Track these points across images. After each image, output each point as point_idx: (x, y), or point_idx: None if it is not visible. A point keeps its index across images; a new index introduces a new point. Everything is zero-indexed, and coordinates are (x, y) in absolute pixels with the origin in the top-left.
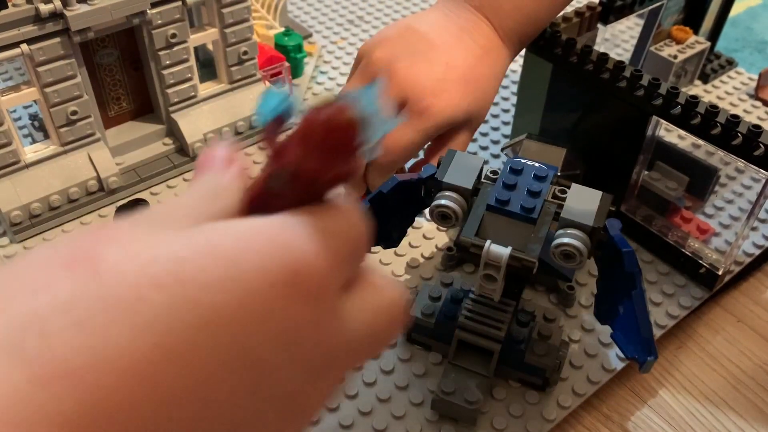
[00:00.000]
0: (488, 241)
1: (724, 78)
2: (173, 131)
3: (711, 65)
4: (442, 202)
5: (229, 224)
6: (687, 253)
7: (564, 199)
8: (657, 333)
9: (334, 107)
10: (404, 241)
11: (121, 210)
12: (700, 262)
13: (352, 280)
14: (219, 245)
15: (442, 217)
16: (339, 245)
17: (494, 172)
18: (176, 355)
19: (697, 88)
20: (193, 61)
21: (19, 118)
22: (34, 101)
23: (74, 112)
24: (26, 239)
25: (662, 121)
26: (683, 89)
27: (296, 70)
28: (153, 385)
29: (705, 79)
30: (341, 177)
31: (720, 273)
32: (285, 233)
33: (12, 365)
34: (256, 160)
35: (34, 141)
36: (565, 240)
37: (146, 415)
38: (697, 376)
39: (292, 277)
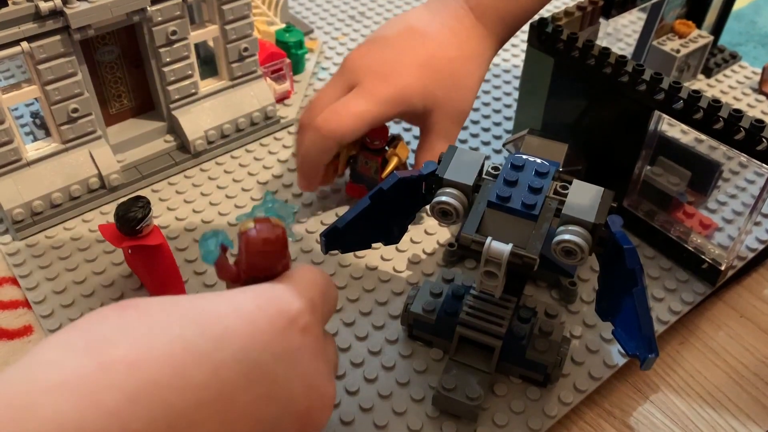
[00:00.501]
0: (489, 238)
1: (727, 72)
2: (174, 128)
3: (714, 59)
4: (443, 198)
5: (240, 291)
6: (689, 248)
7: (565, 196)
8: (659, 329)
9: (263, 226)
10: (406, 237)
11: (120, 207)
12: (703, 257)
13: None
14: (240, 302)
15: (443, 214)
16: (310, 293)
17: (495, 168)
18: (215, 368)
19: (700, 83)
20: (193, 58)
21: (21, 116)
22: (35, 99)
23: (75, 110)
24: (28, 237)
25: (664, 115)
26: (686, 84)
27: (297, 67)
28: (186, 380)
29: (708, 73)
30: (286, 268)
31: (722, 268)
32: (274, 292)
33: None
34: (257, 156)
35: (36, 139)
36: (566, 237)
37: (184, 405)
38: (699, 371)
39: (284, 315)
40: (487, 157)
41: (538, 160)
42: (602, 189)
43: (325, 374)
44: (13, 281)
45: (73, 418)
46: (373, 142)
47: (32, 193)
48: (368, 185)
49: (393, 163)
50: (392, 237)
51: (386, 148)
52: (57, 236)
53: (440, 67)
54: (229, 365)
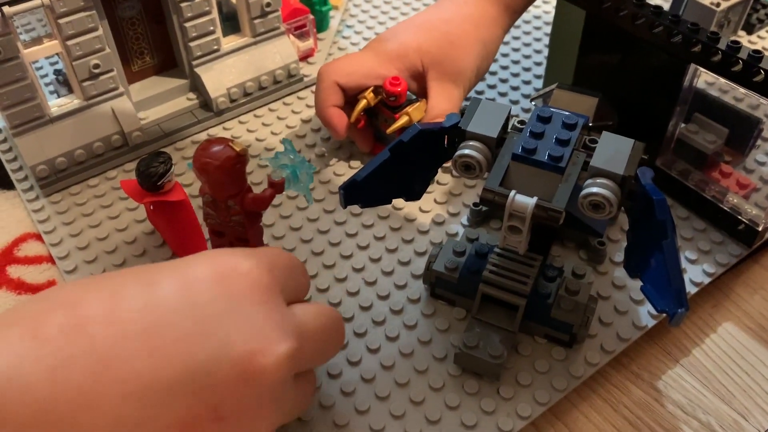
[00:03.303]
0: (513, 191)
1: None
2: (197, 86)
3: (756, 15)
4: (466, 152)
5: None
6: (725, 208)
7: (594, 149)
8: (692, 290)
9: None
10: (429, 197)
11: (142, 163)
12: (739, 218)
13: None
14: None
15: (466, 168)
16: (268, 258)
17: (522, 122)
18: (145, 304)
19: (741, 39)
20: (215, 14)
21: (46, 75)
22: (57, 54)
23: (96, 66)
24: (52, 194)
25: (701, 69)
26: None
27: (321, 24)
28: (114, 315)
29: (749, 29)
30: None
31: (759, 229)
32: (227, 252)
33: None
34: (280, 115)
35: (59, 96)
36: (594, 190)
37: (110, 339)
38: (732, 335)
39: (229, 263)
40: (511, 110)
41: (566, 113)
42: (633, 141)
43: (276, 327)
44: (38, 237)
45: (14, 342)
46: (390, 98)
47: (55, 149)
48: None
49: (401, 121)
50: (413, 193)
51: (404, 108)
52: (80, 193)
53: (435, 26)
54: (161, 303)
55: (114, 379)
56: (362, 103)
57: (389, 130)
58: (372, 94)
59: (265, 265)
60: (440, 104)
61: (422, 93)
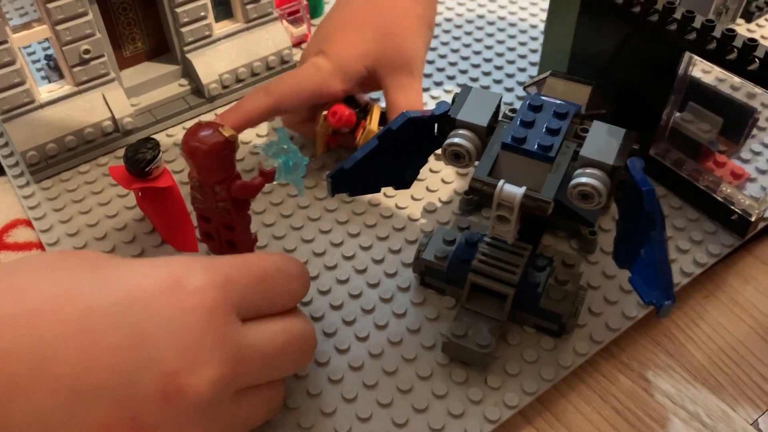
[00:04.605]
0: (501, 181)
1: None
2: (189, 72)
3: (755, 2)
4: (455, 140)
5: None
6: (718, 198)
7: (584, 138)
8: (683, 281)
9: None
10: (421, 185)
11: (130, 149)
12: (732, 208)
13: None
14: (148, 263)
15: (455, 157)
16: (230, 271)
17: (513, 111)
18: (85, 308)
19: (739, 27)
20: None
21: (38, 60)
22: (47, 39)
23: (87, 51)
24: (43, 180)
25: (696, 57)
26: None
27: (315, 10)
28: (55, 313)
29: (748, 17)
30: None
31: (753, 220)
32: (184, 260)
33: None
34: None
35: (50, 82)
36: (583, 180)
37: (49, 334)
38: (723, 325)
39: (175, 277)
40: (509, 104)
41: (558, 101)
42: (624, 130)
43: (207, 350)
44: (28, 223)
45: None
46: (341, 131)
47: (46, 135)
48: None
49: (363, 137)
50: (403, 181)
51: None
52: (71, 179)
53: (367, 19)
54: (103, 308)
55: (48, 375)
56: (321, 138)
57: (358, 144)
58: (325, 126)
59: (218, 282)
60: (400, 100)
61: (374, 90)
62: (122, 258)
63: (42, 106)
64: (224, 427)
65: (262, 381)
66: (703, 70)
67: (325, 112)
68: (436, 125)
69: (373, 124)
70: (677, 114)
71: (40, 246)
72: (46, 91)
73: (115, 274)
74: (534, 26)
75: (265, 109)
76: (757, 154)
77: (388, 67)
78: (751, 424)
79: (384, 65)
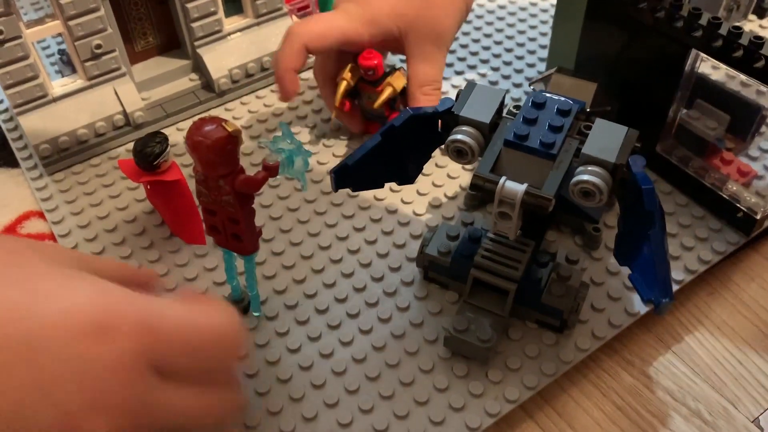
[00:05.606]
0: (503, 178)
1: None
2: (199, 67)
3: None
4: (458, 137)
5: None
6: (724, 196)
7: (587, 135)
8: (687, 278)
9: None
10: (426, 180)
11: (138, 142)
12: (738, 205)
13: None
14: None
15: (458, 153)
16: (159, 320)
17: (518, 107)
18: None
19: (751, 24)
20: None
21: (53, 54)
22: (60, 34)
23: (98, 46)
24: (55, 172)
25: (702, 54)
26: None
27: (325, 5)
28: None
29: (761, 13)
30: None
31: (758, 217)
32: (109, 296)
33: None
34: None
35: (63, 76)
36: (584, 177)
37: None
38: (726, 323)
39: (88, 318)
40: (516, 99)
41: (562, 98)
42: (626, 128)
43: (114, 396)
44: (40, 215)
45: None
46: (367, 72)
47: (58, 129)
48: (381, 121)
49: (386, 93)
50: (406, 177)
51: (384, 80)
52: (83, 172)
53: None
54: (18, 338)
55: None
56: (343, 85)
57: (376, 104)
58: (350, 74)
59: (143, 335)
60: (423, 70)
61: (399, 53)
62: (41, 261)
63: (55, 99)
64: None
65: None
66: (712, 67)
67: (350, 65)
68: (439, 121)
69: (398, 83)
70: (684, 111)
71: (52, 237)
72: (59, 85)
73: (41, 303)
74: (544, 22)
75: (298, 51)
76: (765, 151)
77: (418, 35)
78: (752, 422)
79: (415, 31)
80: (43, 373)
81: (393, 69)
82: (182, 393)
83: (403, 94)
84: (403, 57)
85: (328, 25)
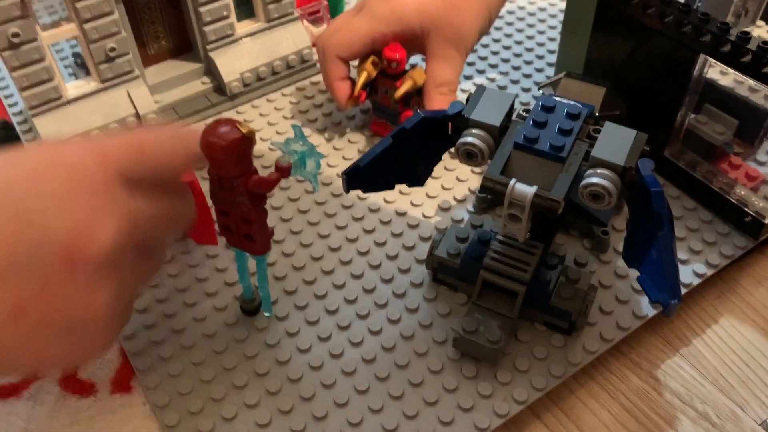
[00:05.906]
0: (513, 180)
1: None
2: (211, 70)
3: None
4: (468, 139)
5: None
6: (732, 200)
7: (596, 138)
8: (695, 282)
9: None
10: (436, 183)
11: None
12: (746, 210)
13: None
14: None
15: (468, 156)
16: (103, 150)
17: (527, 111)
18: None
19: (760, 29)
20: None
21: (66, 57)
22: (75, 38)
23: (113, 49)
24: None
25: (711, 59)
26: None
27: (335, 9)
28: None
29: None
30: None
31: (766, 222)
32: (64, 143)
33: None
34: (292, 100)
35: (77, 78)
36: (594, 180)
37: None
38: (734, 326)
39: (53, 152)
40: (526, 103)
41: (571, 102)
42: (635, 132)
43: (103, 208)
44: None
45: None
46: (390, 65)
47: (72, 131)
48: (391, 120)
49: (407, 85)
50: (416, 179)
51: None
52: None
53: None
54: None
55: None
56: (363, 76)
57: (397, 95)
58: (371, 66)
59: (95, 151)
60: (442, 70)
61: (419, 51)
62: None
63: (69, 101)
64: (129, 282)
65: (154, 241)
66: (721, 72)
67: (372, 58)
68: (449, 124)
69: (419, 78)
70: (692, 115)
71: None
72: (73, 87)
73: (53, 146)
74: (553, 27)
75: (333, 62)
76: None
77: (441, 34)
78: (760, 424)
79: (438, 30)
80: (16, 216)
81: (414, 66)
82: (147, 201)
83: (419, 94)
84: (423, 57)
85: (352, 34)
